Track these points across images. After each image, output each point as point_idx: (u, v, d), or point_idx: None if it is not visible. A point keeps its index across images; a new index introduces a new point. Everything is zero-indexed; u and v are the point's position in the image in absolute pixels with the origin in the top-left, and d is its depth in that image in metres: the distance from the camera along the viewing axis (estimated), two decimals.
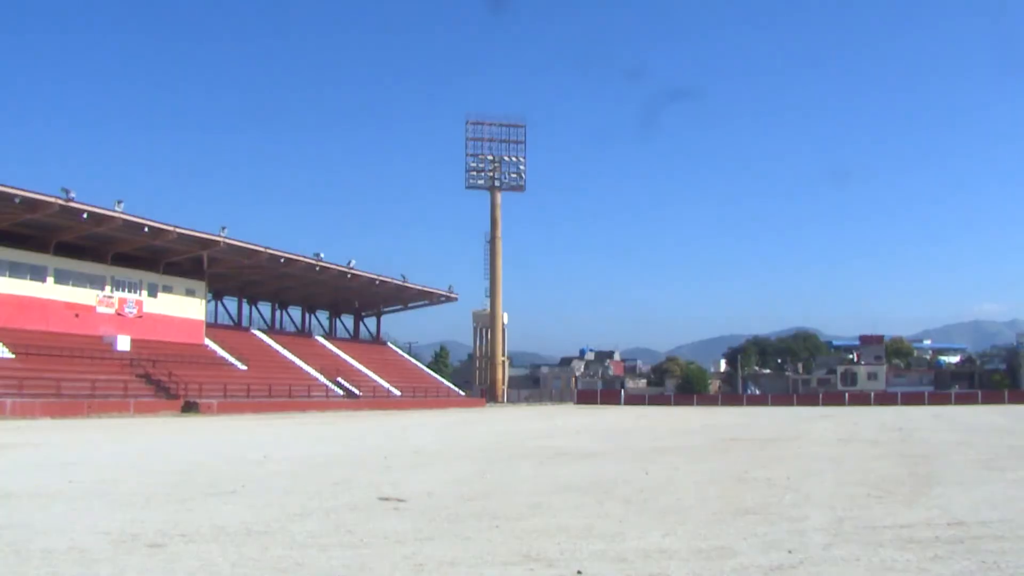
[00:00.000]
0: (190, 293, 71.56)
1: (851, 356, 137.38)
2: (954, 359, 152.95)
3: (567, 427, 42.47)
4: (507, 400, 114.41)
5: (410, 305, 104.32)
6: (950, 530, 9.79)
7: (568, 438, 31.91)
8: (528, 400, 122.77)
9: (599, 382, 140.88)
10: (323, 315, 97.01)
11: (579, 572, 7.64)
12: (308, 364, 79.29)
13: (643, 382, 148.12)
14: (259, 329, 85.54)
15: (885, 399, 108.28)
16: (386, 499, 12.57)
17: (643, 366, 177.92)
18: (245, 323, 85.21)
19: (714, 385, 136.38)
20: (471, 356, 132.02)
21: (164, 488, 14.16)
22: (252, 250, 70.27)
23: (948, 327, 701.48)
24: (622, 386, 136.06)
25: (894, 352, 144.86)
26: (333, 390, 76.57)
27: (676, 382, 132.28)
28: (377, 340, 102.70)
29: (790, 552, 8.48)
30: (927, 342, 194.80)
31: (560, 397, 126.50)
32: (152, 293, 67.48)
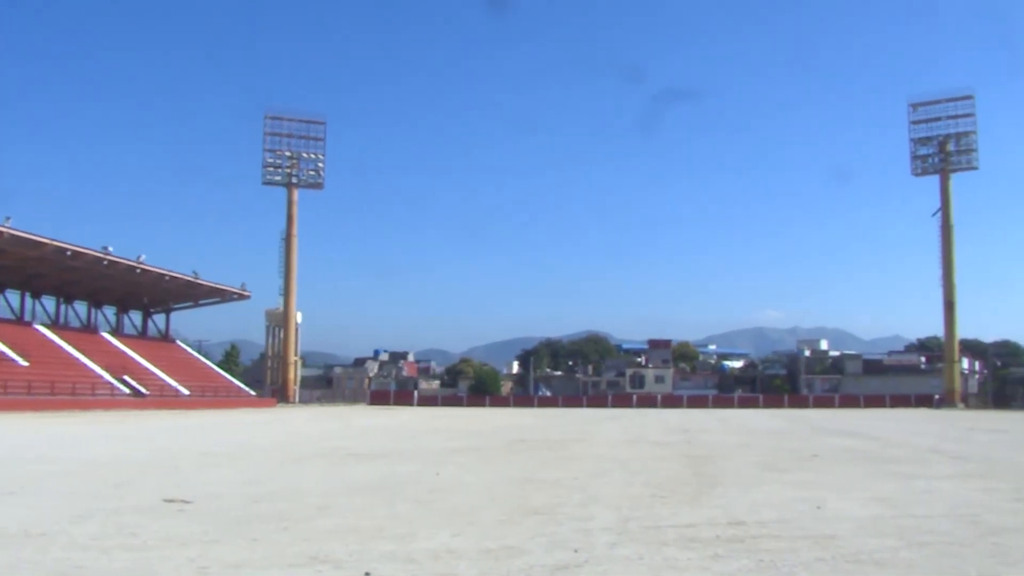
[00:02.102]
0: None
1: (640, 359, 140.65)
2: (737, 364, 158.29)
3: (359, 428, 42.30)
4: (299, 400, 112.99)
5: (201, 302, 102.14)
6: (730, 530, 10.08)
7: (360, 439, 31.75)
8: (321, 401, 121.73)
9: (392, 383, 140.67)
10: (111, 311, 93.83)
11: (367, 573, 7.61)
12: (94, 361, 76.70)
13: (437, 383, 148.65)
14: (42, 324, 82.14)
15: (671, 401, 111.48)
16: (172, 500, 12.26)
17: (437, 367, 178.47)
18: (28, 317, 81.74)
19: (506, 386, 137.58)
20: (263, 355, 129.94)
21: None
22: (37, 242, 67.63)
23: (732, 333, 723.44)
24: (415, 387, 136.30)
25: (681, 356, 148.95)
26: (119, 388, 74.25)
27: (469, 383, 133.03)
28: (166, 337, 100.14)
29: (576, 551, 8.61)
30: (712, 347, 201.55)
31: (353, 398, 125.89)
32: None
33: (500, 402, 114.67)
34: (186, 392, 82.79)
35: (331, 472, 17.88)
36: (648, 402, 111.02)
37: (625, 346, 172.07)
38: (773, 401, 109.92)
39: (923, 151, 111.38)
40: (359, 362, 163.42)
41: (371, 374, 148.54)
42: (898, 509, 11.96)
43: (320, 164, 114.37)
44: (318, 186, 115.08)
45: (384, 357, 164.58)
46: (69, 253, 71.47)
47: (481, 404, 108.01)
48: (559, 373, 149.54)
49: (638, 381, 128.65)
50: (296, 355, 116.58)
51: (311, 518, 10.89)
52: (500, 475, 17.12)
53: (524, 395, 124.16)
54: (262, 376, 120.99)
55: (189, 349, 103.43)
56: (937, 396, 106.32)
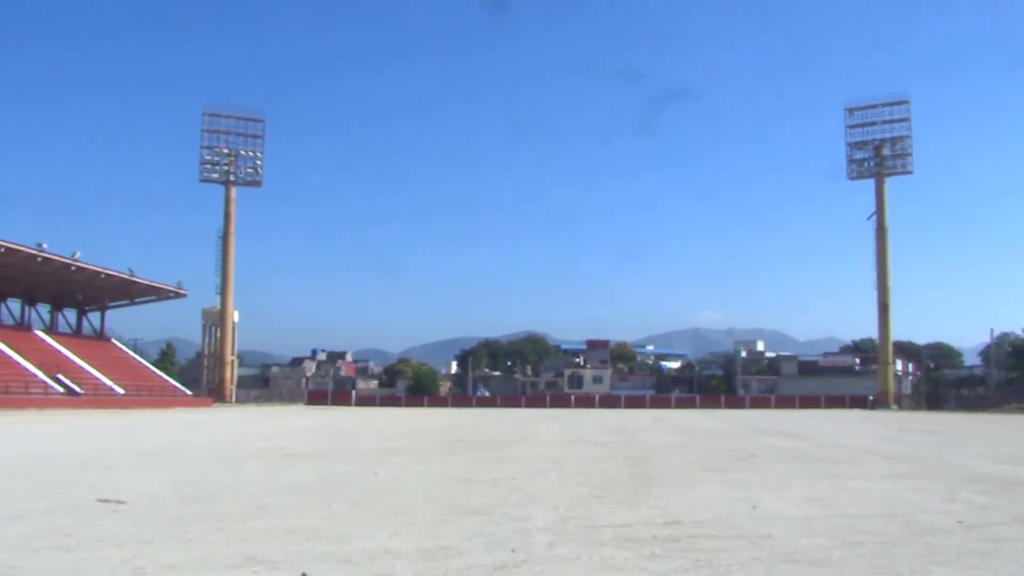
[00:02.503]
0: None
1: (578, 360, 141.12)
2: (675, 364, 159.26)
3: (296, 428, 42.02)
4: (236, 400, 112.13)
5: (137, 300, 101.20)
6: (667, 529, 10.12)
7: (297, 439, 31.54)
8: (257, 400, 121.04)
9: (330, 383, 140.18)
10: (44, 308, 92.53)
11: (304, 574, 7.56)
12: (27, 359, 75.70)
13: (375, 383, 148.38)
14: None
15: (609, 402, 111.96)
16: (106, 501, 12.11)
17: (375, 367, 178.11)
18: None
19: (445, 386, 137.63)
20: (199, 354, 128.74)
21: None
22: None
23: (670, 333, 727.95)
24: (353, 387, 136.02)
25: (619, 356, 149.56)
26: (53, 388, 73.37)
27: (408, 383, 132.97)
28: (101, 336, 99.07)
29: (514, 551, 8.61)
30: (650, 347, 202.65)
31: (291, 398, 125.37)
32: None
33: (438, 402, 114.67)
34: (121, 391, 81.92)
35: (268, 472, 17.74)
36: (586, 402, 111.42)
37: (564, 346, 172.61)
38: (710, 401, 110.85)
39: (859, 155, 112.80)
40: (296, 362, 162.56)
41: (309, 374, 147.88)
42: (832, 509, 12.07)
43: (258, 162, 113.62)
44: (256, 184, 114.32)
45: (322, 357, 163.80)
46: (2, 250, 70.43)
47: (419, 404, 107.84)
48: (498, 373, 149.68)
49: (576, 381, 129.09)
50: (233, 354, 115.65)
51: (247, 518, 10.80)
52: (438, 475, 17.08)
53: (462, 395, 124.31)
54: (198, 375, 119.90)
55: (124, 348, 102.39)
56: (871, 397, 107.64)
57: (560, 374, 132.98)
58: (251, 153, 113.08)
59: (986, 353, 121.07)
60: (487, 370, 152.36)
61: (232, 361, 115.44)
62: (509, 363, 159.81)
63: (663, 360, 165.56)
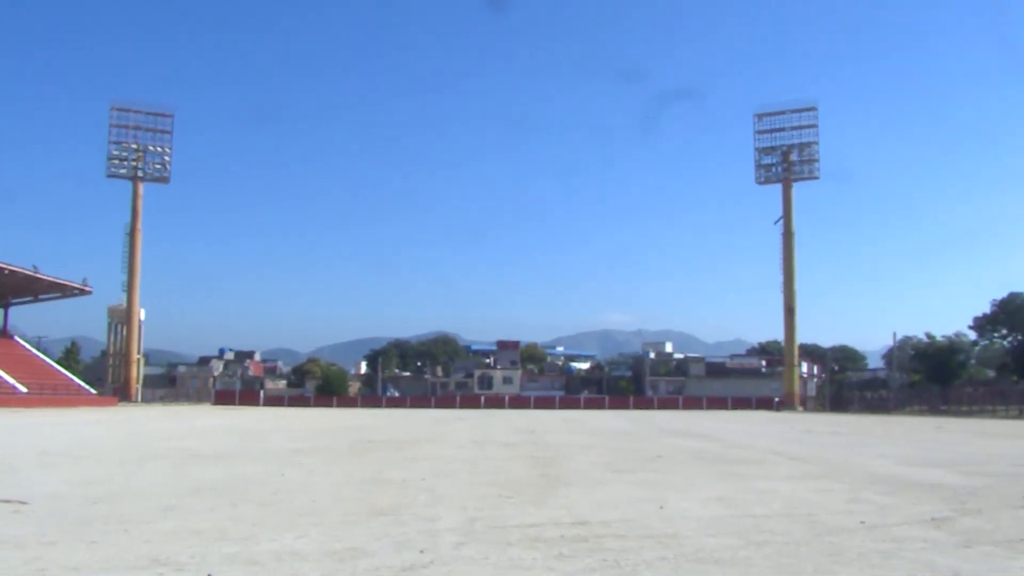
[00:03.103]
0: None
1: (488, 360, 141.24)
2: (584, 365, 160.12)
3: (203, 428, 41.55)
4: (141, 400, 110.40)
5: (41, 297, 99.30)
6: (575, 529, 10.19)
7: (203, 439, 31.19)
8: (164, 400, 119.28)
9: (238, 382, 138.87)
10: None
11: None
12: None
13: (283, 383, 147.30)
14: None
15: (519, 403, 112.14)
16: (7, 501, 11.90)
17: (284, 367, 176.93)
18: None
19: (354, 387, 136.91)
20: (104, 353, 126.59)
21: None
22: None
23: (580, 335, 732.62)
24: (261, 387, 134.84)
25: (529, 357, 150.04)
26: None
27: (316, 383, 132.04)
28: (3, 333, 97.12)
29: (422, 552, 8.61)
30: (560, 348, 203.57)
31: (197, 397, 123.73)
32: None
33: (347, 402, 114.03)
34: (24, 390, 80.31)
35: (173, 473, 17.53)
36: (496, 403, 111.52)
37: (474, 347, 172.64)
38: (619, 402, 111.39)
39: (767, 160, 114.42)
40: (204, 361, 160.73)
41: (216, 373, 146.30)
42: (738, 509, 12.23)
43: (167, 158, 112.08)
44: (164, 180, 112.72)
45: (230, 356, 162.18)
46: None
47: (328, 404, 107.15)
48: (407, 374, 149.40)
49: (486, 382, 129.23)
50: (139, 353, 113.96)
51: (152, 520, 10.66)
52: (346, 476, 17.01)
53: (372, 395, 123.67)
54: (103, 374, 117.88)
55: (27, 346, 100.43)
56: (777, 399, 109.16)
57: (470, 375, 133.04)
58: (159, 149, 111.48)
59: (889, 356, 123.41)
60: (397, 370, 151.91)
61: (138, 360, 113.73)
62: (419, 364, 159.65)
63: (572, 361, 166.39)
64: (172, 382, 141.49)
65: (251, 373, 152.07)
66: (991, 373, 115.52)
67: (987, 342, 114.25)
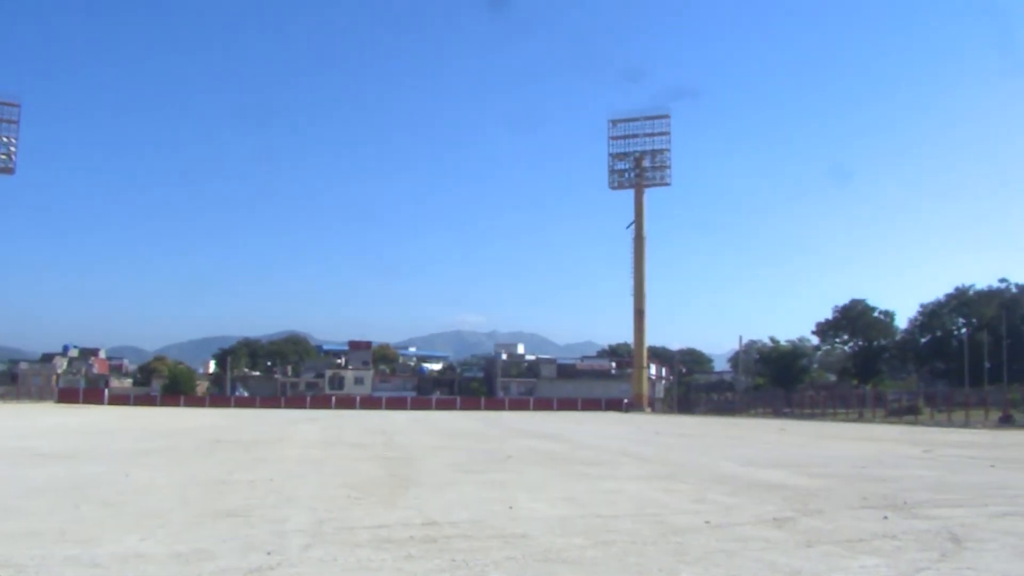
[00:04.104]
0: None
1: (340, 361, 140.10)
2: (436, 366, 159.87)
3: (45, 427, 40.54)
4: None
5: None
6: (424, 530, 10.19)
7: (45, 439, 30.42)
8: (3, 398, 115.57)
9: (82, 380, 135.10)
10: None
11: None
12: None
13: (129, 382, 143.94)
14: None
15: (371, 403, 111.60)
16: None
17: (130, 365, 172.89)
18: None
19: (202, 386, 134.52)
20: None
21: None
22: None
23: (433, 336, 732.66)
24: (107, 385, 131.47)
25: (381, 358, 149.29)
26: None
27: (163, 382, 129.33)
28: None
29: (269, 554, 8.52)
30: (412, 349, 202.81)
31: (40, 395, 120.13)
32: None
33: (195, 402, 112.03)
34: None
35: (13, 473, 17.07)
36: (347, 404, 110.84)
37: (326, 347, 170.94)
38: (470, 403, 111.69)
39: (620, 166, 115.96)
40: (47, 358, 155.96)
41: (59, 371, 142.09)
42: (586, 509, 12.37)
43: (12, 148, 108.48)
44: (9, 171, 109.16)
45: (74, 353, 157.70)
46: None
47: (176, 404, 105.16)
48: (257, 373, 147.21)
49: (338, 382, 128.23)
50: None
51: None
52: (193, 477, 16.75)
53: (221, 395, 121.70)
54: None
55: None
56: (626, 400, 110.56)
57: (321, 375, 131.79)
58: (5, 139, 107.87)
59: (735, 359, 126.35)
60: (246, 370, 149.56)
61: None
62: (269, 363, 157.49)
63: (425, 362, 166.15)
64: (13, 379, 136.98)
65: (96, 371, 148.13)
66: (833, 377, 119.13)
67: (829, 347, 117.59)
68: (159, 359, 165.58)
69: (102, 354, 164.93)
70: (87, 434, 34.28)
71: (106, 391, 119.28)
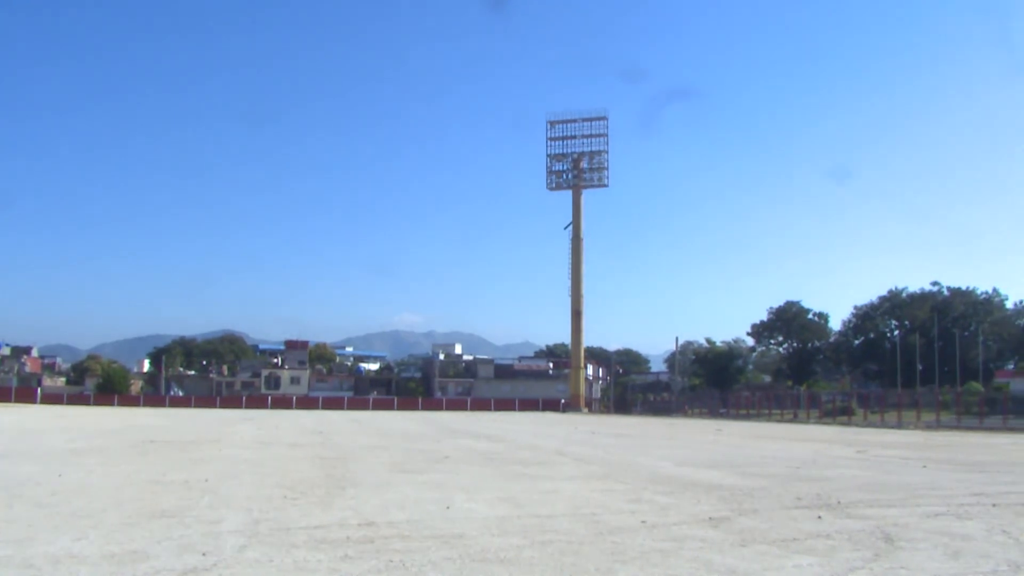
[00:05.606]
0: None
1: (276, 360, 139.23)
2: (374, 366, 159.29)
3: None
4: None
5: None
6: (361, 531, 10.17)
7: None
8: None
9: (14, 379, 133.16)
10: None
11: None
12: None
13: (62, 380, 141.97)
14: None
15: (307, 403, 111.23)
16: None
17: (63, 364, 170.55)
18: None
19: (136, 385, 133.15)
20: None
21: None
22: None
23: (370, 335, 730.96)
24: (39, 384, 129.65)
25: (318, 358, 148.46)
26: None
27: (97, 381, 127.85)
28: None
29: (204, 555, 8.47)
30: (349, 349, 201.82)
31: None
32: None
33: (129, 401, 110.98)
34: None
35: None
36: (283, 403, 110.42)
37: (262, 347, 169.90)
38: (408, 403, 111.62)
39: (558, 167, 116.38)
40: None
41: None
42: (524, 509, 12.39)
43: None
44: None
45: (5, 351, 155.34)
46: None
47: (109, 403, 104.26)
48: (192, 373, 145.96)
49: (274, 382, 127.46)
50: None
51: None
52: (127, 477, 16.58)
53: (155, 395, 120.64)
54: None
55: None
56: (563, 400, 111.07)
57: (257, 374, 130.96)
58: None
59: (671, 360, 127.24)
60: (181, 369, 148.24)
61: None
62: (204, 363, 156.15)
63: (362, 362, 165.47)
64: None
65: (28, 369, 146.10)
66: (767, 378, 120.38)
67: (764, 348, 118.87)
68: (93, 358, 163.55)
69: (34, 352, 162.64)
70: (19, 433, 33.85)
71: (39, 390, 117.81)
